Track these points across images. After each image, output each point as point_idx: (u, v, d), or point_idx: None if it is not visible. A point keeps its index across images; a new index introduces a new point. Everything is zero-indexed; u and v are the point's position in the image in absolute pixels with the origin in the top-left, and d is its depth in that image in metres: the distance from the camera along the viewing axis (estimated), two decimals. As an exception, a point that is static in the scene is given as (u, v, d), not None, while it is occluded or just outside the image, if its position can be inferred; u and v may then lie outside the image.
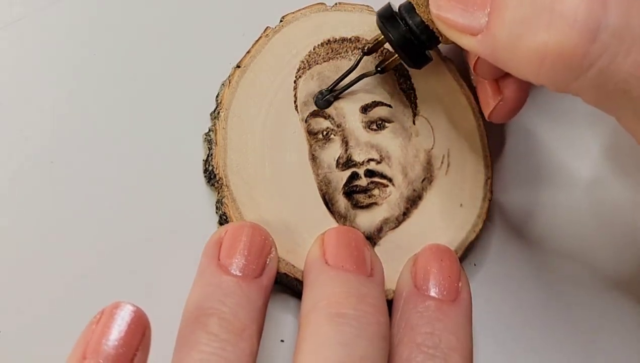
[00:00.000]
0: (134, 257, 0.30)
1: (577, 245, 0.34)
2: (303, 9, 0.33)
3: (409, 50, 0.29)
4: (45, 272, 0.29)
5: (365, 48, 0.31)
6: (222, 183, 0.30)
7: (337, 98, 0.32)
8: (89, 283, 0.30)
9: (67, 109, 0.32)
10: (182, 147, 0.32)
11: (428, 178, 0.32)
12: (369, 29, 0.33)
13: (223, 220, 0.30)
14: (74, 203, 0.31)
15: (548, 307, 0.33)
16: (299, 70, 0.32)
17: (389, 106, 0.32)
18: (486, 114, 0.31)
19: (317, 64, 0.32)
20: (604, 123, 0.36)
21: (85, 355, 0.22)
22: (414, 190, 0.32)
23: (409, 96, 0.33)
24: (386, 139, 0.32)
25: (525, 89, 0.30)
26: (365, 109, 0.32)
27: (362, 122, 0.32)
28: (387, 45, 0.31)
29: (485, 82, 0.30)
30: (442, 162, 0.32)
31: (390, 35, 0.29)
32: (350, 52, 0.33)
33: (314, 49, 0.32)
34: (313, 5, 0.33)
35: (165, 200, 0.31)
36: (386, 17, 0.29)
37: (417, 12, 0.28)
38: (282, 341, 0.30)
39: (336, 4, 0.33)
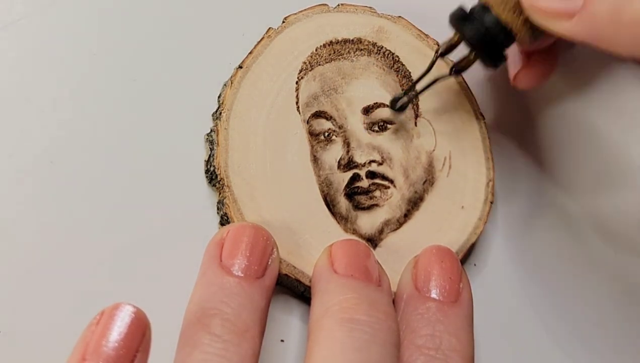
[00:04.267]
0: (135, 257, 0.30)
1: (576, 247, 0.34)
2: (305, 10, 0.33)
3: (487, 49, 0.29)
4: (45, 273, 0.29)
5: (440, 51, 0.30)
6: (224, 184, 0.30)
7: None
8: (90, 284, 0.29)
9: (68, 109, 0.32)
10: (183, 148, 0.32)
11: (429, 180, 0.32)
12: (371, 30, 0.33)
13: (224, 220, 0.30)
14: (74, 204, 0.30)
15: (548, 308, 0.33)
16: (301, 71, 0.32)
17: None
18: (511, 78, 0.31)
19: (319, 65, 0.32)
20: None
21: (85, 356, 0.22)
22: (415, 191, 0.32)
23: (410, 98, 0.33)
24: (388, 140, 0.32)
25: (552, 61, 0.30)
26: (367, 111, 0.32)
27: (364, 123, 0.32)
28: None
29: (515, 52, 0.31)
30: (443, 164, 0.32)
31: (468, 35, 0.29)
32: (352, 53, 0.33)
33: (316, 50, 0.32)
34: (315, 6, 0.33)
35: (166, 200, 0.31)
36: (462, 18, 0.29)
37: (493, 12, 0.28)
38: (282, 341, 0.30)
39: (338, 5, 0.33)
